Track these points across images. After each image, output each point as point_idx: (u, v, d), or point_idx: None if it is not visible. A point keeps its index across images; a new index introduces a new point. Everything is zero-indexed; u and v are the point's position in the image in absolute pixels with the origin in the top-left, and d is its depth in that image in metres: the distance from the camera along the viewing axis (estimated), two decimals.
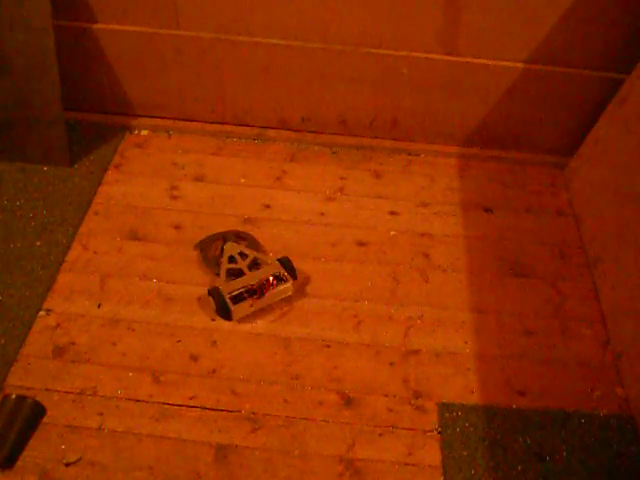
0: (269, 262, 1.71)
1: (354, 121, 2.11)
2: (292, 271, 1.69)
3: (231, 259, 1.71)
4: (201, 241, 1.79)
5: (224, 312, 1.63)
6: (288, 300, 1.69)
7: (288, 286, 1.67)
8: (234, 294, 1.62)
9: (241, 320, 1.64)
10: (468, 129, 2.09)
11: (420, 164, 2.11)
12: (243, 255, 1.72)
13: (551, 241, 1.90)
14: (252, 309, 1.64)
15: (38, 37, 1.78)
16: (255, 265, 1.72)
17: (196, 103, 2.12)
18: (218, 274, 1.69)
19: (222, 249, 1.74)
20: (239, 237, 1.81)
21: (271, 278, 1.65)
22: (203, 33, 1.92)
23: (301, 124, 2.14)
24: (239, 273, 1.68)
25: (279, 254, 1.79)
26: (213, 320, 1.64)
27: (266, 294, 1.64)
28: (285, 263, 1.70)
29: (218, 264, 1.71)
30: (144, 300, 1.68)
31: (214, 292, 1.63)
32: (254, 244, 1.80)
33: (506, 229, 1.92)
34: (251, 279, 1.65)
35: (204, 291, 1.69)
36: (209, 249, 1.77)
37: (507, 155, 2.13)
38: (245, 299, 1.63)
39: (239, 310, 1.62)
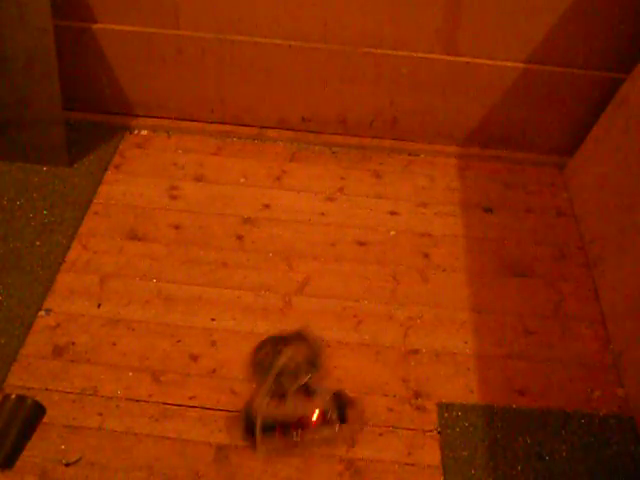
0: (321, 391, 1.43)
1: (354, 121, 2.11)
2: (342, 413, 1.41)
3: (279, 376, 1.42)
4: (263, 341, 1.55)
5: (251, 440, 1.39)
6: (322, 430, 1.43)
7: (331, 432, 1.40)
8: (267, 423, 1.38)
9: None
10: (468, 129, 2.09)
11: (420, 164, 2.11)
12: (296, 372, 1.43)
13: (551, 241, 1.90)
14: (279, 448, 1.40)
15: (38, 37, 1.78)
16: (305, 390, 1.42)
17: (196, 103, 2.12)
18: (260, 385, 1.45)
19: (275, 356, 1.47)
20: (300, 338, 1.53)
21: (316, 415, 1.39)
22: (203, 33, 1.92)
23: (301, 124, 2.14)
24: (282, 395, 1.40)
25: (279, 254, 1.80)
26: (213, 320, 1.64)
27: (301, 433, 1.38)
28: (339, 400, 1.43)
29: (263, 372, 1.45)
30: (144, 300, 1.68)
31: (247, 415, 1.40)
32: (314, 350, 1.52)
33: (506, 229, 1.92)
34: (293, 410, 1.39)
35: (204, 291, 1.69)
36: (261, 350, 1.52)
37: (507, 155, 2.13)
38: (276, 433, 1.38)
39: (266, 444, 1.38)
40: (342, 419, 1.41)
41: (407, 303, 1.72)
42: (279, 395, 1.40)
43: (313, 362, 1.49)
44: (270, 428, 1.38)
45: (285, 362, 1.43)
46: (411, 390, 1.54)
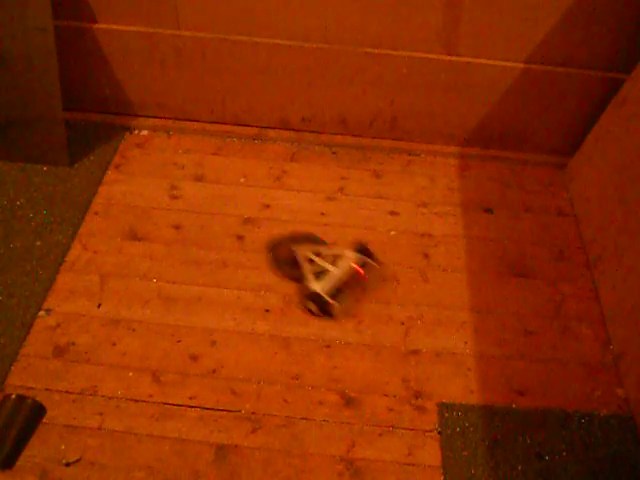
0: (346, 254, 1.71)
1: (354, 121, 2.11)
2: (370, 254, 1.72)
3: (309, 260, 1.70)
4: (273, 244, 1.81)
5: (327, 311, 1.64)
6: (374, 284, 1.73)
7: (377, 270, 1.71)
8: (332, 293, 1.64)
9: (241, 324, 1.65)
10: (468, 129, 2.09)
11: (420, 164, 2.11)
12: (318, 254, 1.72)
13: (551, 241, 1.90)
14: (353, 301, 1.68)
15: (38, 37, 1.78)
16: (334, 260, 1.71)
17: (196, 103, 2.12)
18: (288, 276, 1.72)
19: (294, 252, 1.73)
20: (306, 237, 1.82)
21: (358, 268, 1.67)
22: (203, 33, 1.92)
23: (301, 124, 2.14)
24: (323, 271, 1.68)
25: None
26: (213, 320, 1.64)
27: (362, 283, 1.68)
28: (362, 250, 1.73)
29: (291, 266, 1.72)
30: (144, 300, 1.68)
31: (315, 297, 1.63)
32: (318, 240, 1.81)
33: (506, 229, 1.92)
34: (339, 274, 1.66)
35: (204, 291, 1.69)
36: (279, 251, 1.78)
37: (507, 155, 2.13)
38: (342, 292, 1.66)
39: (343, 307, 1.65)
40: (372, 257, 1.71)
41: (407, 303, 1.72)
42: (316, 274, 1.67)
43: (314, 238, 1.81)
44: (337, 294, 1.64)
45: (306, 252, 1.71)
46: (411, 390, 1.54)
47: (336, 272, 1.67)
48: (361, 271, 1.67)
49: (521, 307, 1.73)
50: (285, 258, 1.75)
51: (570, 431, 1.49)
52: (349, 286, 1.67)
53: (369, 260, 1.71)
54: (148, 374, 1.53)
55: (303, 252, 1.72)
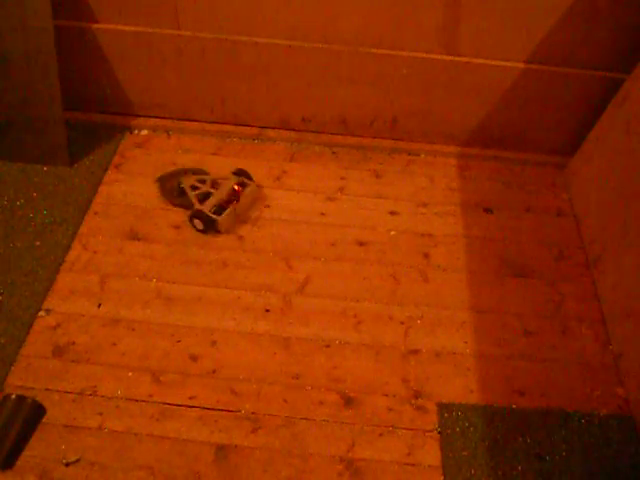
0: (226, 178, 1.92)
1: (354, 121, 2.11)
2: (249, 176, 1.95)
3: (194, 187, 1.89)
4: (160, 176, 1.98)
5: (212, 227, 1.83)
6: (259, 203, 1.95)
7: (253, 187, 1.92)
8: (214, 210, 1.83)
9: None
10: (468, 129, 2.09)
11: (420, 164, 2.11)
12: (202, 181, 1.91)
13: (551, 241, 1.90)
14: (234, 214, 1.87)
15: (38, 37, 1.78)
16: (216, 185, 1.90)
17: (196, 103, 2.12)
18: (176, 204, 1.90)
19: (180, 182, 1.91)
20: (193, 172, 1.99)
21: (236, 187, 1.89)
22: (203, 33, 1.92)
23: (301, 124, 2.14)
24: (207, 195, 1.87)
25: (279, 254, 1.80)
26: (213, 320, 1.64)
27: (240, 199, 1.87)
28: (240, 173, 1.95)
29: (178, 195, 1.90)
30: (144, 300, 1.68)
31: (198, 214, 1.81)
32: (206, 174, 1.99)
33: (506, 229, 1.92)
34: (220, 194, 1.86)
35: (204, 291, 1.69)
36: (167, 183, 1.95)
37: (507, 155, 2.13)
38: (225, 209, 1.84)
39: (224, 220, 1.83)
40: (251, 178, 1.96)
41: (407, 303, 1.72)
42: (204, 197, 1.87)
43: (202, 172, 1.99)
44: (220, 212, 1.84)
45: (189, 181, 1.91)
46: (411, 390, 1.54)
47: (217, 193, 1.86)
48: (239, 189, 1.88)
49: (521, 307, 1.73)
50: (173, 189, 1.92)
51: (570, 431, 1.49)
52: (230, 203, 1.86)
53: (246, 180, 1.92)
54: (148, 374, 1.53)
55: (188, 182, 1.90)
